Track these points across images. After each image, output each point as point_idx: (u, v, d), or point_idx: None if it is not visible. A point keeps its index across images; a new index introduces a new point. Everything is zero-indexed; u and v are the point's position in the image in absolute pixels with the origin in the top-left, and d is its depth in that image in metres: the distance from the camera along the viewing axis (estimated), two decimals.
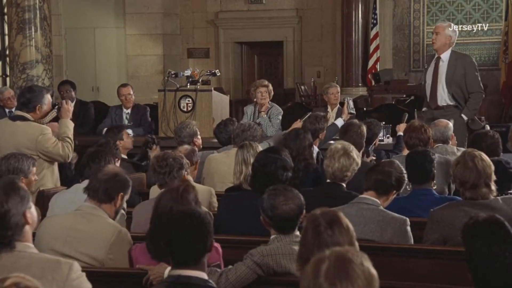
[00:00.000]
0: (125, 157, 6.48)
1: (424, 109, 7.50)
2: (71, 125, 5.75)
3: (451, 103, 7.27)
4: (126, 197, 3.90)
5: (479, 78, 7.39)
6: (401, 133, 6.57)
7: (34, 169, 4.79)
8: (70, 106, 5.80)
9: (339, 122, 7.45)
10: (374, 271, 1.93)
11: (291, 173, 4.48)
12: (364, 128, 5.83)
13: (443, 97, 7.28)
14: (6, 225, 2.82)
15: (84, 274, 2.84)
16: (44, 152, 5.58)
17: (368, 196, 4.15)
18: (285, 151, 4.70)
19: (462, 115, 7.22)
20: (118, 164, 4.87)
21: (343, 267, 1.90)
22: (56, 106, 5.81)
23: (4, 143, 5.57)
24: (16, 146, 5.45)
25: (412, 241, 4.07)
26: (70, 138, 5.67)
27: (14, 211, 2.83)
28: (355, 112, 7.96)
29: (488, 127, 6.98)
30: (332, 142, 7.01)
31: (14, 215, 2.83)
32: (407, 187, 4.79)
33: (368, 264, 1.94)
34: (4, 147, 5.48)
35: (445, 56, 7.33)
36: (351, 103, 7.67)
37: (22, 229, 2.86)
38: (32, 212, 2.91)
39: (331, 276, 1.89)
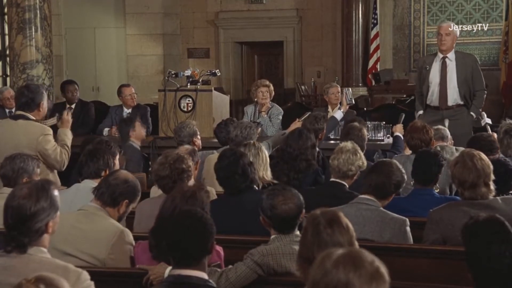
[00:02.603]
0: (138, 145, 6.71)
1: (420, 112, 7.44)
2: (70, 134, 5.82)
3: (461, 103, 7.29)
4: (133, 205, 3.89)
5: (482, 76, 7.45)
6: (398, 134, 6.60)
7: (38, 170, 4.78)
8: (70, 117, 5.88)
9: (338, 115, 7.48)
10: (384, 270, 1.94)
11: (251, 165, 4.47)
12: (365, 131, 5.83)
13: (454, 97, 7.29)
14: (26, 229, 2.79)
15: (92, 283, 2.82)
16: (42, 154, 5.56)
17: (368, 196, 4.15)
18: (238, 150, 4.68)
19: (471, 113, 7.27)
20: (117, 162, 4.87)
21: (353, 259, 1.92)
22: (57, 116, 5.85)
23: (4, 142, 5.57)
24: (17, 144, 5.45)
25: (411, 241, 4.07)
26: (68, 147, 5.71)
27: (40, 217, 2.81)
28: (354, 102, 7.97)
29: (489, 121, 7.01)
30: (333, 142, 7.04)
31: (38, 222, 2.80)
32: (411, 183, 4.79)
33: (380, 264, 1.95)
34: (4, 145, 5.49)
35: (452, 56, 7.34)
36: (349, 93, 7.66)
37: (40, 237, 2.84)
38: (56, 222, 2.89)
39: (341, 264, 1.92)
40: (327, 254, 1.97)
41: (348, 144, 4.68)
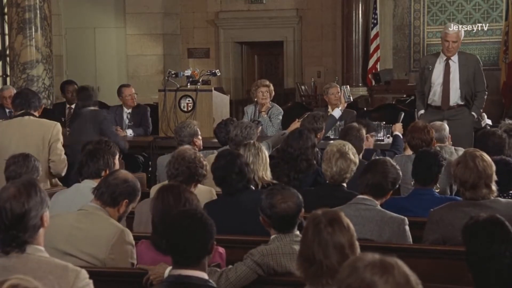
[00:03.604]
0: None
1: (421, 111, 7.46)
2: None
3: (462, 103, 7.33)
4: (133, 205, 3.90)
5: (484, 76, 7.50)
6: (397, 133, 6.60)
7: (41, 170, 4.82)
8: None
9: (337, 113, 7.48)
10: (416, 285, 1.90)
11: (248, 166, 4.48)
12: (364, 132, 5.83)
13: (455, 98, 7.34)
14: (23, 226, 2.80)
15: (91, 282, 2.83)
16: (53, 147, 5.72)
17: (366, 196, 4.16)
18: (234, 152, 4.69)
19: (472, 113, 7.32)
20: (116, 161, 4.87)
21: (385, 265, 1.89)
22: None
23: (17, 138, 5.71)
24: (29, 138, 5.66)
25: (410, 240, 4.08)
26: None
27: (34, 212, 2.82)
28: (352, 100, 7.96)
29: (489, 122, 7.07)
30: (331, 142, 7.03)
31: (33, 217, 2.82)
32: (412, 183, 4.79)
33: (414, 278, 1.91)
34: (17, 141, 5.65)
35: (455, 57, 7.39)
36: (347, 90, 7.66)
37: (37, 232, 2.85)
38: (47, 215, 2.91)
39: (370, 266, 1.89)
40: (361, 256, 1.94)
41: (334, 150, 4.63)
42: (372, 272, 1.87)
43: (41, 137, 5.71)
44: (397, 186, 4.31)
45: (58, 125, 5.90)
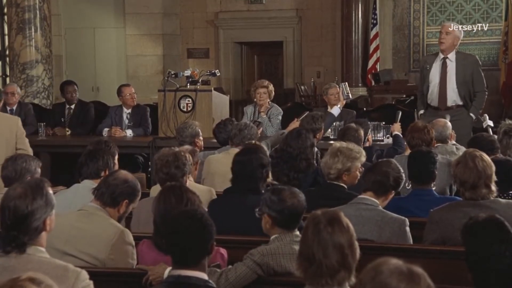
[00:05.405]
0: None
1: (421, 111, 7.46)
2: None
3: (460, 103, 7.30)
4: (133, 205, 3.89)
5: (483, 76, 7.46)
6: (397, 133, 6.60)
7: (39, 170, 4.80)
8: None
9: (335, 111, 7.48)
10: None
11: (269, 167, 4.48)
12: (362, 132, 5.82)
13: (453, 98, 7.30)
14: (25, 228, 2.80)
15: (91, 283, 2.83)
16: (21, 137, 5.83)
17: (367, 196, 4.16)
18: (262, 148, 4.70)
19: (471, 114, 7.29)
20: (116, 161, 4.87)
21: (412, 274, 1.89)
22: None
23: None
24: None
25: (411, 241, 4.07)
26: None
27: (37, 215, 2.82)
28: (351, 96, 7.95)
29: (490, 123, 7.05)
30: (332, 142, 7.04)
31: (36, 220, 2.81)
32: (407, 186, 4.79)
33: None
34: None
35: (452, 56, 7.35)
36: (346, 88, 7.65)
37: (38, 235, 2.84)
38: (52, 219, 2.90)
39: (397, 273, 1.89)
40: (386, 261, 1.93)
41: (334, 146, 4.67)
42: (398, 280, 1.87)
43: (8, 129, 5.78)
44: (400, 187, 4.30)
45: (20, 119, 6.08)
